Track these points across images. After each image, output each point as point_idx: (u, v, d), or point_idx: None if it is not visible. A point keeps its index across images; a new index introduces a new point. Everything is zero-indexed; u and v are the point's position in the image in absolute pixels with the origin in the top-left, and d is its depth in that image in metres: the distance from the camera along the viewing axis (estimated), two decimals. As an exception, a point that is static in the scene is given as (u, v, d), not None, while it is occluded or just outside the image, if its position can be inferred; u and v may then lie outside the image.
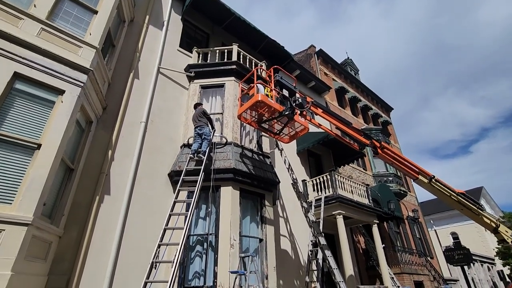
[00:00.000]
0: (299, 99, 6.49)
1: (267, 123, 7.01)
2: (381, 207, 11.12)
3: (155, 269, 4.49)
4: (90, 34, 5.56)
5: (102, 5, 6.02)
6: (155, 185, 6.29)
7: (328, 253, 6.95)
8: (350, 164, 13.40)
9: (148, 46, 7.85)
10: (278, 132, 7.22)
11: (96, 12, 5.88)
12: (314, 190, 9.75)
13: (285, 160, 8.60)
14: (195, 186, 5.54)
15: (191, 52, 8.79)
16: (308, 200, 9.58)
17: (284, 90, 7.02)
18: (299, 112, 6.47)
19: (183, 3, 9.39)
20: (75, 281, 4.65)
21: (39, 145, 4.24)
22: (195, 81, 8.20)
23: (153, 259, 4.47)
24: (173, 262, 4.26)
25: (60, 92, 4.74)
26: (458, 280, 17.12)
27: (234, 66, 8.13)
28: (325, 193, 9.15)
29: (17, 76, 4.41)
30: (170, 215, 5.09)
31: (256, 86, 6.61)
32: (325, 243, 7.10)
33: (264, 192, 7.05)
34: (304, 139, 10.66)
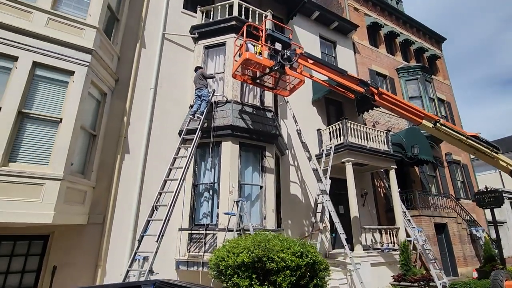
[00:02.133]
0: (288, 52, 6.46)
1: (262, 78, 7.24)
2: (405, 152, 10.80)
3: (156, 210, 5.67)
4: (90, 15, 6.27)
5: (98, -17, 6.56)
6: (167, 142, 7.33)
7: (326, 197, 7.49)
8: (378, 109, 12.81)
9: (152, 13, 8.31)
10: (274, 86, 7.43)
11: (93, -8, 6.48)
12: (330, 138, 9.90)
13: (291, 111, 8.81)
14: (197, 143, 6.40)
15: (196, 12, 8.99)
16: (322, 149, 9.89)
17: (277, 44, 6.97)
18: (288, 65, 6.50)
19: (183, -40, 9.29)
20: (108, 218, 6.19)
21: (61, 119, 5.41)
22: (199, 42, 8.57)
23: (155, 203, 5.63)
24: (169, 205, 5.34)
25: (71, 73, 5.73)
26: (506, 222, 16.16)
27: (233, 22, 8.18)
28: (337, 141, 9.29)
29: (36, 64, 5.46)
30: (170, 169, 6.11)
31: (246, 44, 6.77)
32: (324, 188, 7.60)
33: (264, 144, 7.62)
34: (320, 87, 10.47)
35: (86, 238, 5.97)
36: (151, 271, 5.12)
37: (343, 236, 7.07)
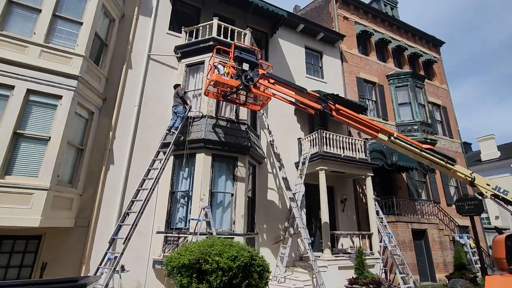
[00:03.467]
0: (250, 73, 7.11)
1: (233, 95, 7.93)
2: (386, 159, 11.11)
3: (127, 216, 6.48)
4: (78, 45, 7.23)
5: (85, 16, 7.51)
6: (149, 155, 8.13)
7: (293, 204, 8.06)
8: (367, 115, 13.12)
9: (139, 36, 9.21)
10: (244, 102, 8.10)
11: (82, 24, 7.44)
12: (310, 146, 10.41)
13: (266, 123, 9.42)
14: (169, 157, 7.19)
15: (181, 32, 9.82)
16: (302, 156, 10.43)
17: (244, 64, 7.63)
18: (251, 85, 7.15)
19: (170, -15, 10.15)
20: (93, 222, 7.11)
21: (50, 137, 6.37)
22: (182, 60, 9.39)
23: (127, 210, 6.46)
24: (139, 211, 6.14)
25: (59, 97, 6.69)
26: (509, 229, 15.86)
27: (211, 43, 8.91)
28: (313, 151, 9.80)
29: (29, 91, 6.45)
30: (143, 179, 6.92)
31: (214, 66, 7.50)
32: (292, 196, 8.17)
33: (237, 155, 8.29)
34: (301, 98, 10.99)
35: (73, 239, 6.91)
36: (123, 269, 5.95)
37: (306, 241, 7.63)
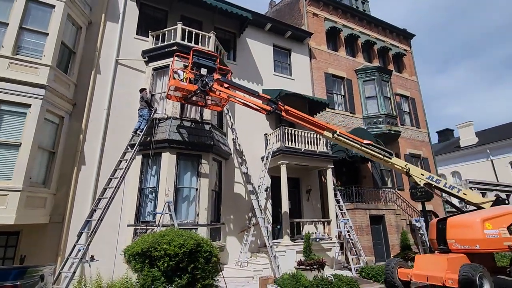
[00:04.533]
0: (206, 79, 7.74)
1: (193, 98, 8.57)
2: (348, 152, 11.92)
3: (95, 212, 7.19)
4: (44, 55, 7.76)
5: (51, 27, 8.00)
6: (119, 155, 8.78)
7: (253, 197, 8.86)
8: (332, 110, 13.89)
9: (106, 41, 9.70)
10: (205, 104, 8.76)
11: (47, 34, 7.94)
12: (276, 141, 11.14)
13: (230, 122, 10.09)
14: (134, 157, 7.88)
15: (149, 36, 10.32)
16: (266, 151, 11.17)
17: (202, 69, 8.27)
18: (207, 89, 7.79)
19: (136, -10, 10.56)
20: (67, 218, 7.82)
21: (21, 143, 6.99)
22: (149, 64, 9.95)
23: (93, 206, 7.17)
24: (104, 207, 6.87)
25: (28, 105, 7.27)
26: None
27: (175, 47, 9.46)
28: (276, 146, 10.54)
29: (1, 101, 7.03)
30: (110, 179, 7.60)
31: (174, 71, 8.12)
32: (251, 189, 8.96)
33: (201, 153, 9.00)
34: (269, 94, 11.62)
35: (49, 234, 7.63)
36: (92, 258, 6.73)
37: (264, 230, 8.47)
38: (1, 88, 7.04)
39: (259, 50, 12.88)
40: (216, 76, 7.95)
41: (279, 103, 7.91)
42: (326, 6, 15.73)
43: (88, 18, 9.48)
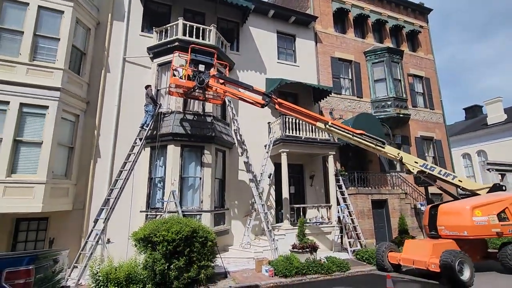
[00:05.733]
0: (202, 76, 8.17)
1: (194, 93, 9.06)
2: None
3: (108, 201, 8.08)
4: (57, 60, 8.51)
5: (61, 32, 8.70)
6: (129, 148, 9.61)
7: (252, 184, 9.41)
8: (338, 95, 13.84)
9: (114, 40, 10.31)
10: (205, 98, 9.24)
11: (59, 39, 8.65)
12: (279, 130, 11.48)
13: (231, 113, 10.49)
14: (140, 150, 8.65)
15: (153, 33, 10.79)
16: (268, 140, 11.55)
17: (200, 66, 8.70)
18: (204, 86, 8.25)
19: (139, -13, 10.93)
20: (87, 205, 8.87)
21: (42, 141, 7.93)
22: (154, 60, 10.49)
23: (107, 196, 8.06)
24: (115, 196, 7.74)
25: (46, 107, 8.14)
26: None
27: (176, 43, 9.89)
28: (277, 135, 10.90)
29: (22, 104, 7.93)
30: (121, 171, 8.42)
31: (174, 69, 8.61)
32: (251, 177, 9.48)
33: (203, 144, 9.60)
34: (271, 83, 11.86)
35: (73, 219, 8.73)
36: (108, 241, 7.71)
37: (263, 215, 9.05)
38: (22, 93, 7.93)
39: (262, 38, 12.95)
40: (212, 72, 8.34)
41: (272, 96, 8.21)
42: (333, -15, 15.19)
43: (96, 19, 10.07)
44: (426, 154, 15.59)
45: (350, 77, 14.62)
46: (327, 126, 8.03)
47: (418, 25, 17.30)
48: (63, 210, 8.48)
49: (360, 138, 8.06)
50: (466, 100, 75.06)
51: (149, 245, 6.28)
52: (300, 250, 7.96)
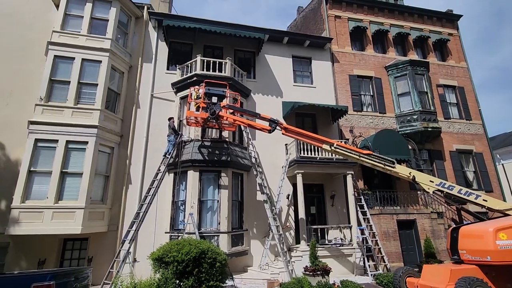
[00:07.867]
0: (214, 107, 8.96)
1: (209, 123, 9.89)
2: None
3: (134, 223, 9.02)
4: (96, 102, 10.05)
5: (99, 78, 10.31)
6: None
7: (266, 206, 9.72)
8: (358, 112, 13.70)
9: (143, 80, 11.78)
10: (219, 127, 10.01)
11: (97, 85, 10.25)
12: (295, 151, 11.74)
13: (247, 138, 11.07)
14: (162, 177, 9.61)
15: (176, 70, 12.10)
16: (284, 161, 11.85)
17: (213, 98, 9.57)
18: (215, 116, 9.02)
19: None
20: (120, 227, 9.98)
21: (83, 172, 9.31)
22: (177, 94, 11.70)
23: (133, 219, 9.02)
24: (139, 219, 8.66)
25: (86, 143, 9.60)
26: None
27: (194, 78, 10.98)
28: (292, 157, 11.16)
29: (67, 142, 9.48)
30: (146, 196, 9.41)
31: (188, 103, 9.58)
32: (265, 199, 9.81)
33: (220, 169, 10.27)
34: (287, 105, 12.32)
35: (109, 239, 9.87)
36: (135, 260, 8.58)
37: (276, 237, 9.26)
38: (68, 132, 9.49)
39: (278, 64, 13.58)
40: (222, 104, 9.10)
41: (278, 121, 8.64)
42: (349, 5, 15.43)
43: (129, 64, 11.68)
44: (466, 169, 14.38)
45: (371, 93, 14.41)
46: (332, 148, 8.14)
47: (446, 34, 16.52)
48: (100, 231, 9.67)
49: (367, 158, 8.01)
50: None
51: (162, 265, 6.92)
52: (312, 273, 7.96)
